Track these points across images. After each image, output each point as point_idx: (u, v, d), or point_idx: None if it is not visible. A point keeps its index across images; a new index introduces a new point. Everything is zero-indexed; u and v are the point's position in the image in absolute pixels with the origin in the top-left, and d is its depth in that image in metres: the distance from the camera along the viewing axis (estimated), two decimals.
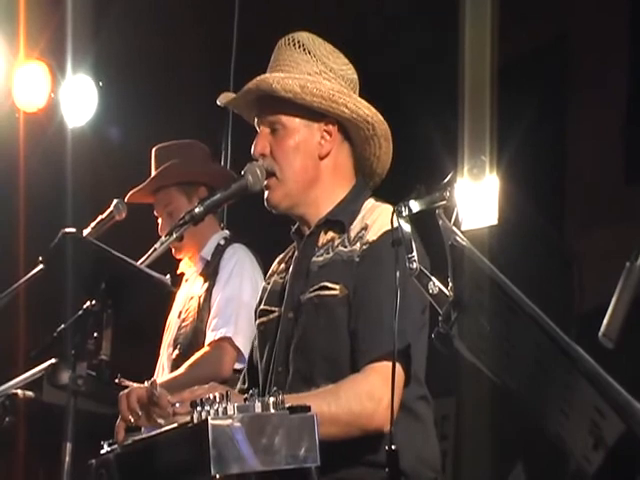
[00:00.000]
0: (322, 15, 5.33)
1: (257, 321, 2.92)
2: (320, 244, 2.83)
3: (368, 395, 2.56)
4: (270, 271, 3.02)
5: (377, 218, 2.77)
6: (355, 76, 2.94)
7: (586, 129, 6.13)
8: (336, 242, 2.81)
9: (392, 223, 2.20)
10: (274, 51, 2.94)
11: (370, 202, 2.87)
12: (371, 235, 2.74)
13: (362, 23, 6.02)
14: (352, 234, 2.79)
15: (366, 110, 2.85)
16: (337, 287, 2.71)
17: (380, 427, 2.50)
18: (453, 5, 5.31)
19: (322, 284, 2.73)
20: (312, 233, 2.87)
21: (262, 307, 2.92)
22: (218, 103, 2.99)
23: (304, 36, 2.92)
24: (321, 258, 2.79)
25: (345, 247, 2.77)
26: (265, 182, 2.84)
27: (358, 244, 2.75)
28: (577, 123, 6.22)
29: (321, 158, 2.87)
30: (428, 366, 2.79)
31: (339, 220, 2.84)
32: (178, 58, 6.16)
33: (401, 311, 2.31)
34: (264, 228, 3.44)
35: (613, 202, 5.64)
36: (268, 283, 2.97)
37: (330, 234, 2.84)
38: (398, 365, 2.52)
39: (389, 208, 2.75)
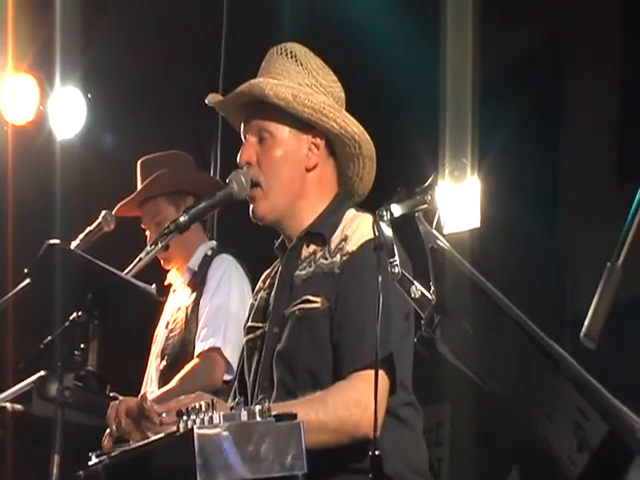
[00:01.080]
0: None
1: (245, 338, 2.93)
2: (303, 257, 2.82)
3: (355, 402, 2.55)
4: (257, 287, 3.01)
5: (357, 228, 2.76)
6: (342, 94, 2.95)
7: (578, 130, 6.14)
8: (318, 255, 2.80)
9: (374, 228, 2.19)
10: (265, 58, 2.94)
11: (351, 212, 2.86)
12: (351, 246, 2.74)
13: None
14: (332, 246, 2.78)
15: (354, 128, 2.85)
16: (318, 300, 2.71)
17: (367, 434, 2.49)
18: (435, 2, 5.32)
19: (304, 297, 2.73)
20: (294, 247, 2.86)
21: (249, 324, 2.92)
22: (206, 102, 2.98)
23: (296, 47, 2.93)
24: (304, 272, 2.79)
25: (326, 259, 2.76)
26: (250, 192, 2.83)
27: (338, 255, 2.74)
28: (569, 124, 6.23)
29: (307, 170, 2.86)
30: (421, 373, 2.78)
31: (320, 233, 2.83)
32: (167, 69, 6.17)
33: (383, 319, 2.30)
34: (252, 238, 3.43)
35: (606, 203, 5.64)
36: (255, 299, 2.96)
37: (312, 247, 2.83)
38: (383, 373, 2.53)
39: (369, 217, 2.74)
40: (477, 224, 5.41)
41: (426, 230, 2.07)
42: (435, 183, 2.20)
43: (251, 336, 2.88)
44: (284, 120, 2.83)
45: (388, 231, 2.17)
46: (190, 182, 4.36)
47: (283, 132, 2.84)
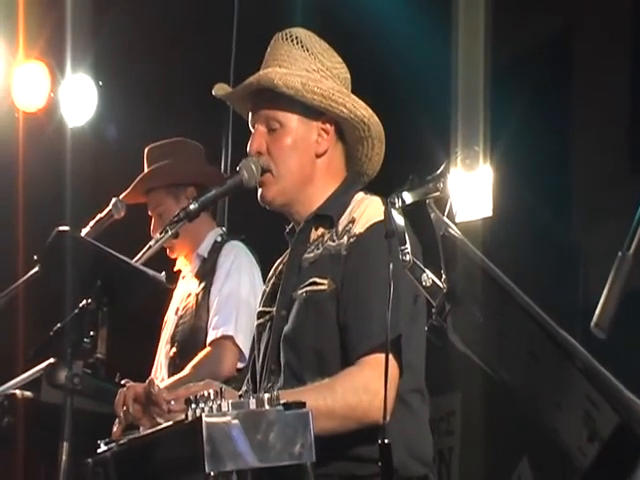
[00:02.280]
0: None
1: (255, 323, 2.93)
2: (311, 240, 2.84)
3: (364, 388, 2.55)
4: (269, 275, 3.02)
5: (365, 210, 2.77)
6: (348, 75, 2.96)
7: (592, 118, 6.11)
8: (325, 237, 2.81)
9: (385, 215, 2.19)
10: (270, 44, 2.95)
11: (359, 195, 2.87)
12: (358, 228, 2.74)
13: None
14: (340, 228, 2.79)
15: (363, 111, 2.86)
16: (325, 282, 2.71)
17: (377, 420, 2.48)
18: None
19: (311, 280, 2.73)
20: (302, 230, 2.88)
21: (260, 309, 2.94)
22: (213, 94, 2.99)
23: (301, 32, 2.93)
24: (312, 254, 2.80)
25: (333, 241, 2.77)
26: (260, 178, 2.83)
27: (345, 237, 2.75)
28: (581, 112, 6.20)
29: (317, 156, 2.88)
30: (432, 362, 2.77)
31: (328, 215, 2.84)
32: (178, 57, 6.15)
33: (392, 302, 2.29)
34: (262, 225, 3.43)
35: (618, 192, 5.61)
36: (267, 286, 2.98)
37: (320, 230, 2.84)
38: (391, 358, 2.52)
39: (377, 200, 2.78)
40: (489, 213, 5.40)
41: (437, 218, 2.06)
42: (447, 171, 2.19)
43: (261, 320, 2.90)
44: (293, 108, 2.85)
45: (399, 218, 2.16)
46: (191, 174, 4.35)
47: (292, 120, 2.85)
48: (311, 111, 2.84)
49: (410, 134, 5.12)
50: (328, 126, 2.87)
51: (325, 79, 2.87)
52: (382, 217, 2.55)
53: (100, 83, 5.70)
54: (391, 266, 2.19)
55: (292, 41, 2.90)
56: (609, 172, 5.95)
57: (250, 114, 2.92)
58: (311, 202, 2.87)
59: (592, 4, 6.07)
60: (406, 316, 2.63)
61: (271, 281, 2.96)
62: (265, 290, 2.98)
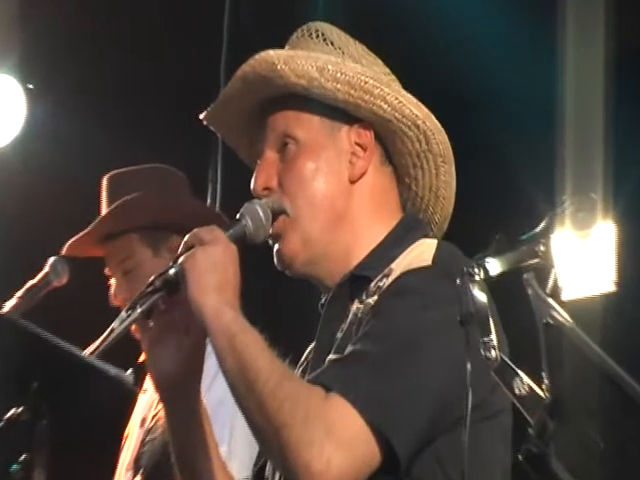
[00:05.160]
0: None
1: None
2: (351, 314, 2.79)
3: (327, 429, 2.52)
4: (301, 361, 3.01)
5: (407, 256, 2.73)
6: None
7: None
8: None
9: (461, 290, 2.17)
10: (286, 47, 2.97)
11: (420, 243, 2.80)
12: (392, 278, 2.70)
13: None
14: (371, 285, 2.75)
15: (414, 109, 2.83)
16: None
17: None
18: None
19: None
20: (334, 298, 2.85)
21: None
22: (201, 118, 3.02)
23: (325, 27, 2.95)
24: (341, 334, 2.77)
25: (361, 303, 2.74)
26: (271, 228, 2.82)
27: (376, 296, 2.71)
28: None
29: (352, 182, 2.86)
30: None
31: (365, 276, 2.79)
32: (145, 53, 6.16)
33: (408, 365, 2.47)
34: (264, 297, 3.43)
35: None
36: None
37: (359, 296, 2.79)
38: (371, 436, 2.52)
39: (431, 242, 2.75)
40: (611, 287, 5.37)
41: (538, 297, 2.07)
42: (550, 228, 2.19)
43: None
44: (311, 111, 2.85)
45: (481, 296, 2.15)
46: (176, 212, 4.34)
47: (311, 130, 2.85)
48: (336, 112, 2.83)
49: (497, 175, 5.12)
50: (364, 135, 2.85)
51: (353, 64, 2.85)
52: (429, 263, 2.62)
53: (30, 86, 5.73)
54: (469, 366, 2.19)
55: (311, 35, 2.92)
56: None
57: (255, 144, 2.94)
58: (348, 255, 2.84)
59: None
60: (426, 395, 2.58)
61: (300, 369, 2.94)
62: None
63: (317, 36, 2.91)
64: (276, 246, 2.86)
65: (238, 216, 2.84)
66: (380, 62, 2.95)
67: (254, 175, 2.89)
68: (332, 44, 2.91)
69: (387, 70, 2.94)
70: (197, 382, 2.99)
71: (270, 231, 2.83)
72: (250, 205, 2.84)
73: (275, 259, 2.88)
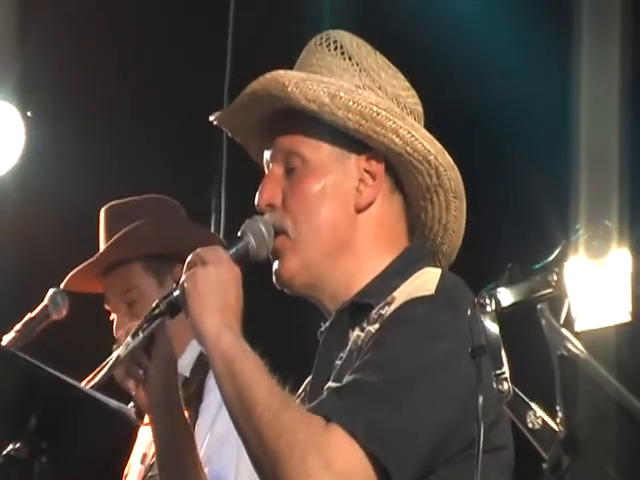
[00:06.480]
0: None
1: None
2: (350, 342, 2.79)
3: (326, 462, 2.53)
4: (299, 391, 3.01)
5: (410, 284, 2.74)
6: (420, 108, 2.96)
7: None
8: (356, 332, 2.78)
9: (472, 320, 2.16)
10: (301, 55, 2.98)
11: (424, 272, 2.81)
12: (394, 306, 2.71)
13: None
14: (373, 313, 2.75)
15: (427, 144, 2.84)
16: None
17: None
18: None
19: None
20: (333, 325, 2.86)
21: None
22: (211, 119, 3.03)
23: (344, 36, 2.95)
24: (341, 361, 2.78)
25: (362, 330, 2.74)
26: (272, 244, 2.84)
27: (377, 324, 2.71)
28: None
29: (358, 211, 2.87)
30: None
31: (367, 303, 2.79)
32: (147, 80, 6.16)
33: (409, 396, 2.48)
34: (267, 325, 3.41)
35: None
36: None
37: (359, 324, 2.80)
38: (370, 467, 2.53)
39: (434, 271, 2.76)
40: (627, 317, 5.34)
41: (552, 327, 2.06)
42: (564, 257, 2.19)
43: None
44: (320, 134, 2.85)
45: (493, 327, 2.14)
46: (180, 240, 4.33)
47: (320, 153, 2.86)
48: (348, 140, 2.84)
49: (508, 202, 5.11)
50: (374, 164, 2.86)
51: (369, 93, 2.86)
52: (431, 292, 2.65)
53: (29, 114, 5.72)
54: (480, 399, 2.17)
55: (328, 46, 2.92)
56: None
57: (265, 155, 2.94)
58: (349, 282, 2.85)
59: None
60: (430, 428, 2.60)
61: (298, 400, 2.93)
62: None
63: (335, 48, 2.92)
64: (275, 264, 2.87)
65: (240, 233, 2.85)
66: (400, 75, 2.96)
67: (259, 189, 2.89)
68: (350, 58, 2.90)
69: (407, 84, 2.96)
70: (175, 387, 3.05)
71: (271, 248, 2.85)
72: (252, 222, 2.86)
73: (274, 278, 2.89)
